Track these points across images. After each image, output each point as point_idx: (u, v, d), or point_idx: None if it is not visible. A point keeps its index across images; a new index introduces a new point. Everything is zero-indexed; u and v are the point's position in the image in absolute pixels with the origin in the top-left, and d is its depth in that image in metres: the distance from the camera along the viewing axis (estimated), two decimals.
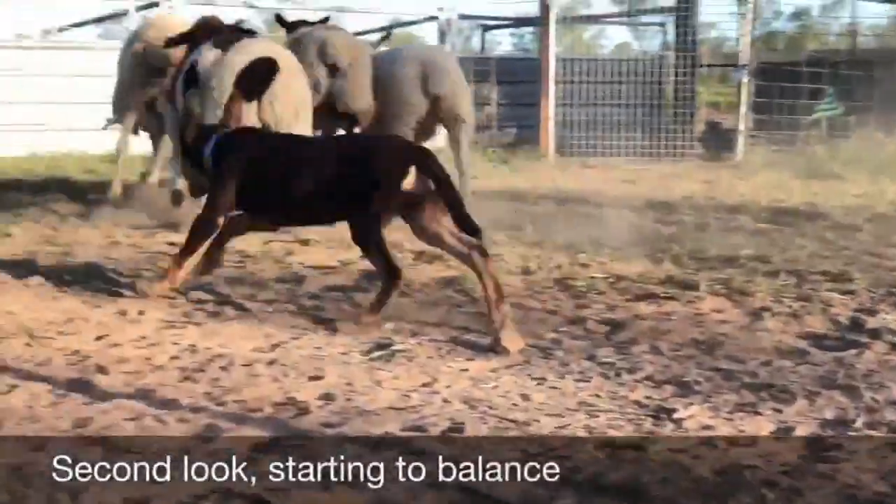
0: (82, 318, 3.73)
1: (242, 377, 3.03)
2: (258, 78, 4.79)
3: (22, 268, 4.61)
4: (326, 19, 7.33)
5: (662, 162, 11.36)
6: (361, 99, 6.45)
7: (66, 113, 10.83)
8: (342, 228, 5.48)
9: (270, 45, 5.61)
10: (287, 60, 5.30)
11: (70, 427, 2.60)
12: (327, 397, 2.86)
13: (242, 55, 5.08)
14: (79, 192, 7.30)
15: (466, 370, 3.13)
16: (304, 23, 6.94)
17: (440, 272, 4.57)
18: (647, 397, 2.89)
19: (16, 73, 11.47)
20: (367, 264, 4.67)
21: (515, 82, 12.78)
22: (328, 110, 6.36)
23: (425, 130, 6.62)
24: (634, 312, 3.87)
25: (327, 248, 5.12)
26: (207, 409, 2.74)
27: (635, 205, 7.05)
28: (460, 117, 6.52)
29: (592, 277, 4.41)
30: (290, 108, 5.22)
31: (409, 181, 3.62)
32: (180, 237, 5.30)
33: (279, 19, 7.14)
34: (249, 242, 5.22)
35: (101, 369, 3.10)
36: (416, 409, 2.77)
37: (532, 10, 13.72)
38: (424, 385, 2.99)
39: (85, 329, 3.58)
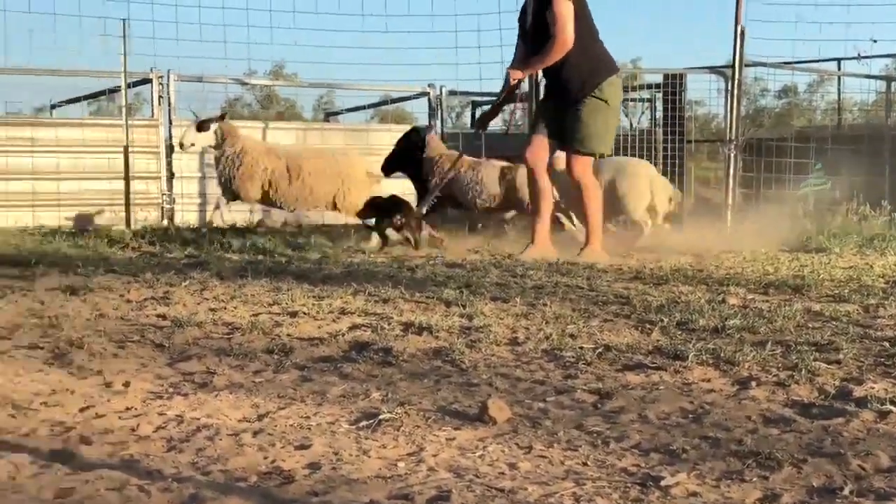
0: (67, 390, 3.71)
1: (228, 447, 3.02)
2: None
3: (7, 340, 4.61)
4: None
5: None
6: None
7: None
8: (333, 300, 5.52)
9: None
10: None
11: (51, 497, 2.58)
12: (313, 466, 2.84)
13: None
14: (69, 266, 7.31)
15: (453, 439, 3.12)
16: None
17: (428, 343, 4.57)
18: (635, 465, 2.88)
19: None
20: (354, 335, 4.69)
21: (506, 157, 12.83)
22: None
23: None
24: (623, 382, 3.86)
25: (316, 319, 5.12)
26: (192, 479, 2.72)
27: (626, 276, 7.08)
28: None
29: (581, 348, 4.40)
30: None
31: None
32: (169, 309, 5.32)
33: None
34: (238, 315, 5.23)
35: (85, 440, 3.08)
36: (403, 477, 2.75)
37: (522, 86, 13.80)
38: (411, 454, 2.97)
39: (69, 401, 3.56)
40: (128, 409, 3.46)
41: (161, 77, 12.80)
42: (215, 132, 10.67)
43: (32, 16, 12.96)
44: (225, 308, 5.49)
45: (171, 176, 12.75)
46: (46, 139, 12.24)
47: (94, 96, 16.44)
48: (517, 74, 8.89)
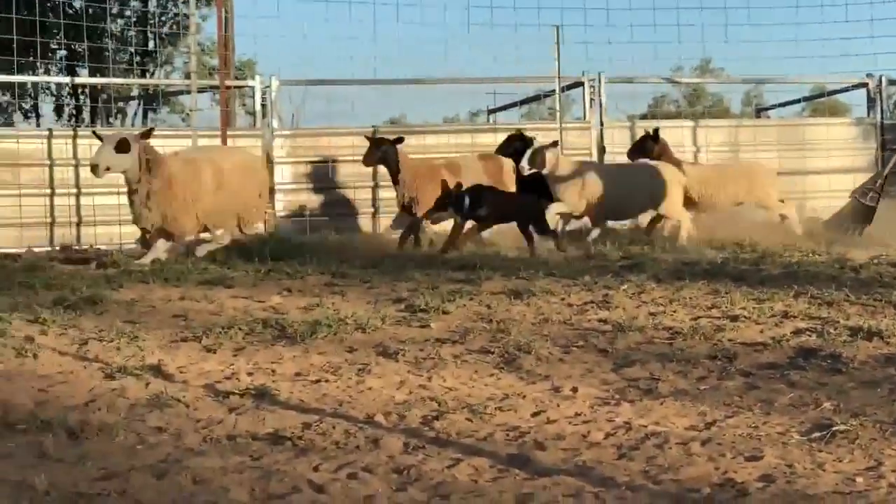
0: (518, 394, 3.85)
1: (678, 456, 3.02)
2: None
3: (460, 344, 4.82)
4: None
5: None
6: None
7: None
8: (773, 303, 5.40)
9: None
10: None
11: (513, 503, 2.69)
12: (766, 479, 2.79)
13: None
14: (510, 270, 7.53)
15: None
16: None
17: (879, 349, 4.38)
18: None
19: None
20: (799, 341, 4.57)
21: None
22: None
23: None
24: None
25: (757, 323, 5.04)
26: (645, 488, 2.75)
27: None
28: None
29: None
30: None
31: None
32: (609, 313, 5.40)
33: None
34: (678, 319, 5.23)
35: (539, 445, 3.18)
36: (863, 493, 2.65)
37: None
38: (869, 469, 2.86)
39: (521, 405, 3.69)
40: (577, 414, 3.55)
41: (592, 80, 12.96)
42: (138, 155, 8.68)
43: (472, 27, 13.42)
44: (664, 312, 5.50)
45: None
46: (493, 144, 12.33)
47: (527, 101, 16.86)
48: None
